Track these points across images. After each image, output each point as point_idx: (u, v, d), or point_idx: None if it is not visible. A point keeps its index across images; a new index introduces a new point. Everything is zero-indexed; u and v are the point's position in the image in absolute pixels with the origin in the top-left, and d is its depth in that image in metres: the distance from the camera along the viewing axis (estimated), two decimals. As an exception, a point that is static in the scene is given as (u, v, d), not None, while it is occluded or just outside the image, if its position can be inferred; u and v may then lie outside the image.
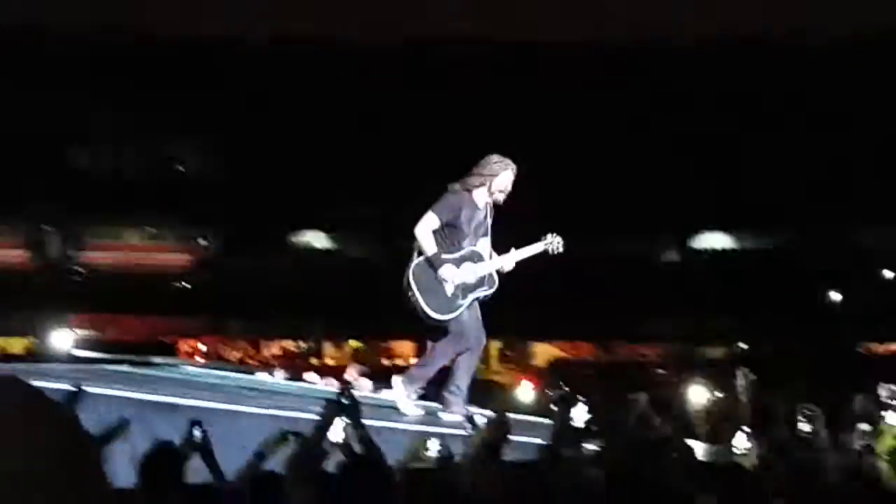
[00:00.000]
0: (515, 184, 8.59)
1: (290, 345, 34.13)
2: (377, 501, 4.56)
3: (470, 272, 8.37)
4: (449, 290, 8.31)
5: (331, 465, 5.05)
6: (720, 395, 12.18)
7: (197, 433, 5.59)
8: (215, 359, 28.65)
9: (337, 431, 5.29)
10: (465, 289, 8.42)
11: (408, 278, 8.40)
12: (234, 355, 32.10)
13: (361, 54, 32.23)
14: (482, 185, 8.51)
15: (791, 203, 31.55)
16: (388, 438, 6.03)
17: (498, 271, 8.60)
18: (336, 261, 33.41)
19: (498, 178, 8.53)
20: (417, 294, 8.31)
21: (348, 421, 5.26)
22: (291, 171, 31.38)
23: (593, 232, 33.00)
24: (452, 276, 8.29)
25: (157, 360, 13.93)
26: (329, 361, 33.15)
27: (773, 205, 31.92)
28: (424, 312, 8.31)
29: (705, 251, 35.86)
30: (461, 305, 8.41)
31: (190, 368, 14.32)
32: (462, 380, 8.58)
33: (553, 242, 8.75)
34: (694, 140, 31.53)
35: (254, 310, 30.33)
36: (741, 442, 6.57)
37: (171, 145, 34.31)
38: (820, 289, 32.06)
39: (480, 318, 8.72)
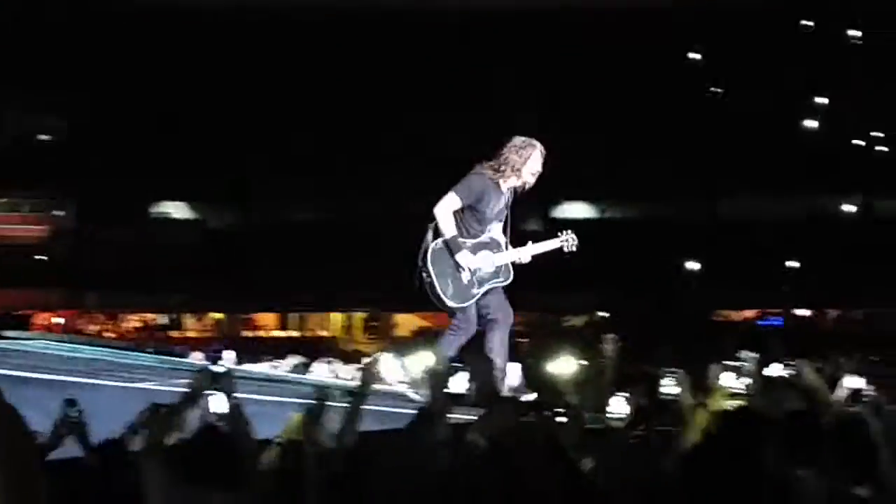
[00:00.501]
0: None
1: (149, 317, 33.52)
2: (232, 474, 4.46)
3: (487, 260, 8.21)
4: (465, 277, 8.11)
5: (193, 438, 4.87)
6: (588, 362, 12.20)
7: (72, 412, 5.39)
8: (73, 332, 28.02)
9: (216, 404, 5.16)
10: (481, 278, 8.22)
11: (424, 258, 8.15)
12: (92, 328, 31.43)
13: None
14: (514, 170, 8.32)
15: (652, 174, 31.95)
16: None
17: (513, 263, 8.42)
18: (196, 232, 32.82)
19: (530, 162, 8.36)
20: (433, 277, 8.05)
21: (218, 393, 5.13)
22: (150, 141, 30.66)
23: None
24: (469, 263, 8.07)
25: (10, 333, 13.47)
26: (190, 334, 32.69)
27: (633, 175, 32.30)
28: (438, 297, 8.09)
29: (567, 221, 36.20)
30: (475, 295, 8.20)
31: (44, 342, 13.85)
32: (499, 359, 8.24)
33: (568, 240, 8.66)
34: (556, 109, 31.69)
35: (112, 282, 29.65)
36: (616, 406, 6.57)
37: (28, 114, 33.21)
38: (680, 258, 32.62)
39: (504, 296, 8.55)
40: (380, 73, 30.49)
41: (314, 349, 20.74)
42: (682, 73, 32.60)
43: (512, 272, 8.41)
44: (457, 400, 5.94)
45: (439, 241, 8.08)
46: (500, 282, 8.36)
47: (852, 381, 6.91)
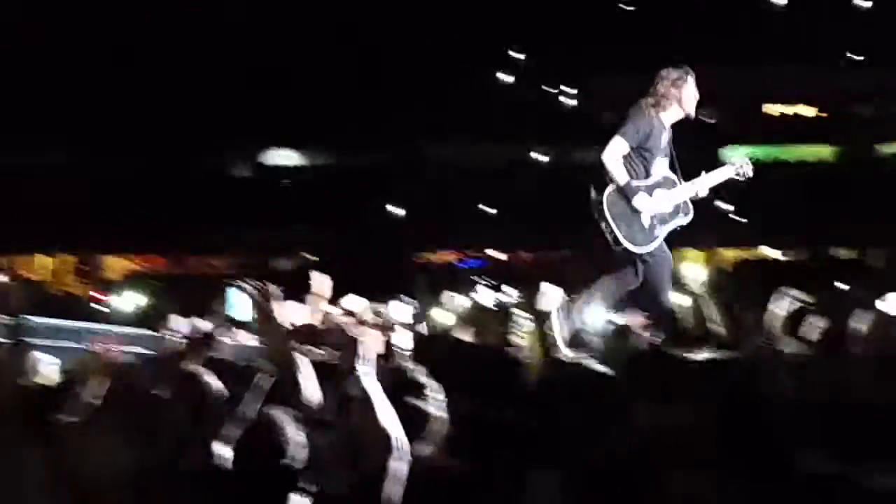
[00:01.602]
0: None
1: None
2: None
3: (665, 200, 7.74)
4: (646, 220, 7.67)
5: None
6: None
7: None
8: None
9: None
10: (662, 219, 7.78)
11: (601, 208, 7.55)
12: None
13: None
14: (675, 101, 7.84)
15: (347, 119, 32.57)
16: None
17: (691, 198, 7.98)
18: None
19: (688, 88, 7.88)
20: (613, 225, 7.53)
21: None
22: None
23: (168, 148, 32.82)
24: (647, 205, 7.64)
25: None
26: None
27: (332, 125, 32.87)
28: (620, 244, 7.60)
29: (274, 167, 36.50)
30: (657, 237, 7.75)
31: None
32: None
33: (743, 165, 8.20)
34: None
35: None
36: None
37: None
38: (381, 202, 33.38)
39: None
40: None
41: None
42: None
43: (691, 208, 7.97)
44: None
45: (611, 188, 7.64)
46: (681, 219, 7.94)
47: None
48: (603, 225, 7.63)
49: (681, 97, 7.84)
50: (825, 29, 35.31)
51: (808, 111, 39.51)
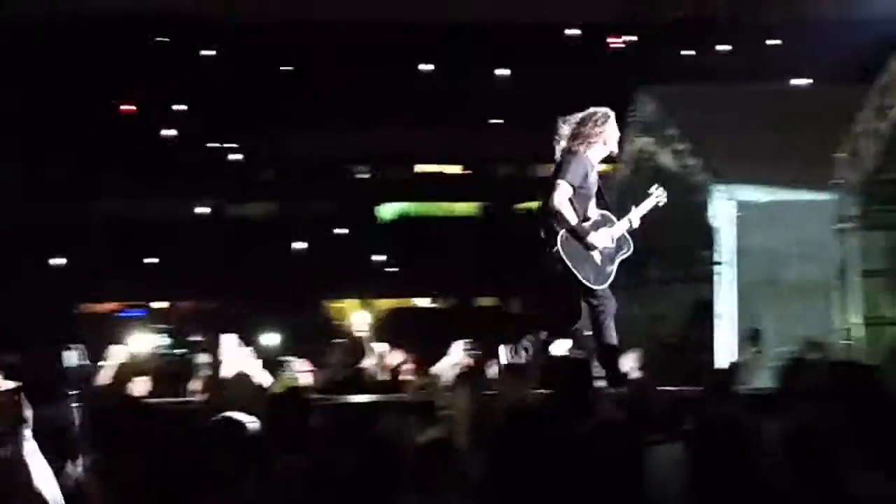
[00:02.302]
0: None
1: None
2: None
3: (607, 236, 7.94)
4: (597, 258, 7.90)
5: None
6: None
7: None
8: None
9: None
10: (609, 255, 8.01)
11: (558, 251, 7.62)
12: None
13: None
14: (601, 140, 7.95)
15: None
16: None
17: (628, 231, 8.14)
18: None
19: (611, 126, 8.00)
20: (572, 267, 7.69)
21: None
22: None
23: None
24: (597, 242, 7.84)
25: None
26: None
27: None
28: (581, 283, 7.79)
29: None
30: (611, 272, 8.00)
31: None
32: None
33: (660, 194, 8.34)
34: None
35: None
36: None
37: None
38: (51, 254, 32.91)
39: None
40: None
41: None
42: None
43: (630, 241, 8.17)
44: None
45: (563, 232, 7.83)
46: (625, 253, 8.18)
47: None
48: (560, 267, 7.80)
49: (606, 136, 8.03)
50: (469, 95, 37.92)
51: (454, 170, 42.09)
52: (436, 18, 38.24)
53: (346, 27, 37.21)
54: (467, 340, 8.57)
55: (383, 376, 8.73)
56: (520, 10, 38.34)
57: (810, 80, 12.68)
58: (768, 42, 39.17)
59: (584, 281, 7.75)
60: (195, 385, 7.25)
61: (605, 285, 7.90)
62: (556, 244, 7.75)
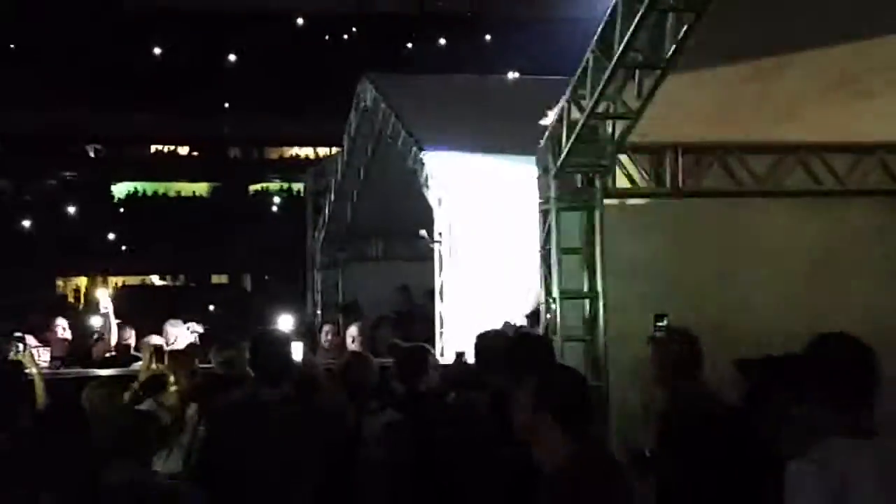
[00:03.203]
0: None
1: None
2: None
3: None
4: None
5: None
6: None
7: None
8: None
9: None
10: None
11: None
12: None
13: None
14: None
15: None
16: None
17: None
18: None
19: None
20: None
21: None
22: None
23: None
24: None
25: None
26: None
27: None
28: None
29: None
30: None
31: None
32: None
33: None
34: None
35: None
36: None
37: None
38: None
39: None
40: None
41: None
42: None
43: None
44: None
45: None
46: None
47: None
48: None
49: None
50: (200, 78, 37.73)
51: (185, 151, 41.78)
52: (169, 4, 37.93)
53: (86, 5, 36.42)
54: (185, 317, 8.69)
55: (116, 352, 8.78)
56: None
57: (517, 74, 13.31)
58: (486, 38, 40.52)
59: None
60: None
61: None
62: None
